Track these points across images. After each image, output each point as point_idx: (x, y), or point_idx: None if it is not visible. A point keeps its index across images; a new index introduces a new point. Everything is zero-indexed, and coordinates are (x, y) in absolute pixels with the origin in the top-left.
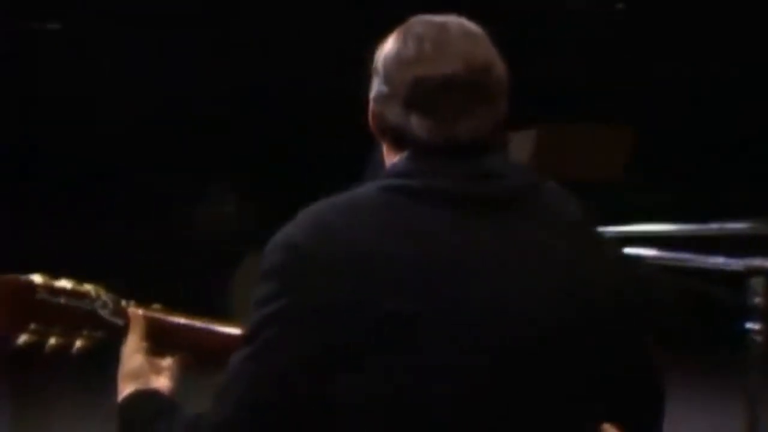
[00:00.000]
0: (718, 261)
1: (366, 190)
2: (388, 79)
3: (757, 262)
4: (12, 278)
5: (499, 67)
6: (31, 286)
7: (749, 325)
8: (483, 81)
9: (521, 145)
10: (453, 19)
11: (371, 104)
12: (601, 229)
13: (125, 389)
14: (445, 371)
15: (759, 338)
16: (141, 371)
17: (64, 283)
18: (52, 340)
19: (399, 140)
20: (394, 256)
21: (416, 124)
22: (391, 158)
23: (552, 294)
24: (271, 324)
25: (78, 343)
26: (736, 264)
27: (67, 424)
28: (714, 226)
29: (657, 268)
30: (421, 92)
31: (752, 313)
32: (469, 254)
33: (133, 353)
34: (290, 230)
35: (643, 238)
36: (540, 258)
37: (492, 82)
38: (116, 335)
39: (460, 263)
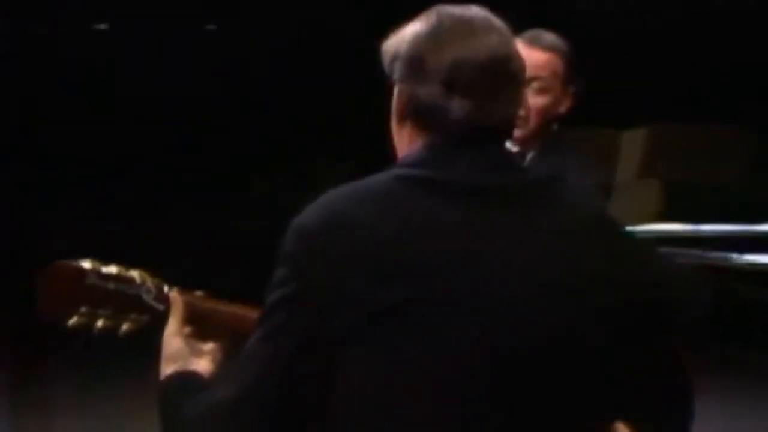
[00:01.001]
0: (750, 259)
1: (382, 178)
2: (422, 60)
3: None
4: (65, 264)
5: (521, 58)
6: (83, 271)
7: None
8: (513, 68)
9: (632, 144)
10: (477, 9)
11: (399, 86)
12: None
13: (165, 371)
14: (446, 362)
15: None
16: (180, 354)
17: (112, 269)
18: (100, 323)
19: (430, 122)
20: (401, 247)
21: (457, 105)
22: (410, 142)
23: (556, 290)
24: (280, 308)
25: (124, 327)
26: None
27: (67, 421)
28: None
29: (696, 267)
30: (463, 72)
31: None
32: (478, 247)
33: (172, 336)
34: (305, 216)
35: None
36: (549, 254)
37: (520, 71)
38: (159, 320)
39: (468, 256)
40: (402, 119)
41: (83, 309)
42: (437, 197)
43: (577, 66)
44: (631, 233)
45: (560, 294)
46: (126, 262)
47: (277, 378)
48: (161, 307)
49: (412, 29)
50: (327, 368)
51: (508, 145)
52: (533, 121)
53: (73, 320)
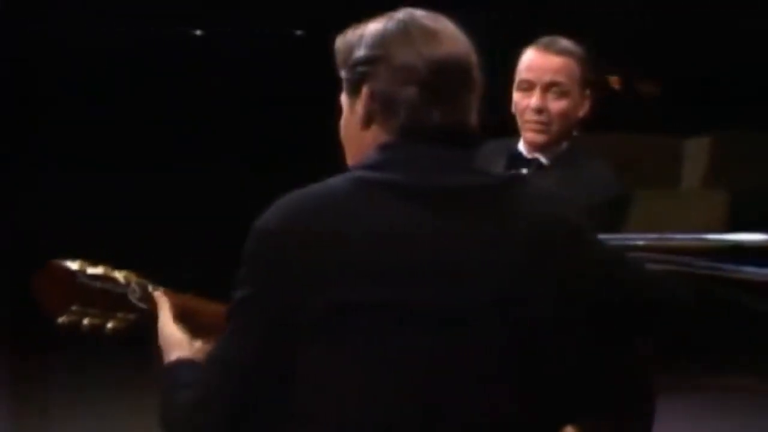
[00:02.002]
0: (751, 271)
1: (341, 180)
2: (396, 61)
3: None
4: (57, 264)
5: (478, 67)
6: (74, 271)
7: None
8: (474, 76)
9: (698, 152)
10: (439, 15)
11: (374, 92)
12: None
13: (167, 357)
14: (395, 366)
15: None
16: (180, 340)
17: (99, 269)
18: (87, 321)
19: (403, 123)
20: (357, 249)
21: (430, 108)
22: (372, 141)
23: (509, 294)
24: (241, 309)
25: (110, 325)
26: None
27: (67, 422)
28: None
29: (683, 275)
30: (435, 75)
31: None
32: (432, 250)
33: (165, 327)
34: (264, 218)
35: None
36: (504, 257)
37: (478, 78)
38: (144, 319)
39: (422, 259)
40: (369, 122)
41: (73, 307)
42: (396, 200)
43: (593, 70)
44: (594, 237)
45: (512, 297)
46: (129, 262)
47: (240, 378)
48: (145, 307)
49: (374, 29)
50: (288, 366)
51: (522, 149)
52: (555, 126)
53: (62, 318)
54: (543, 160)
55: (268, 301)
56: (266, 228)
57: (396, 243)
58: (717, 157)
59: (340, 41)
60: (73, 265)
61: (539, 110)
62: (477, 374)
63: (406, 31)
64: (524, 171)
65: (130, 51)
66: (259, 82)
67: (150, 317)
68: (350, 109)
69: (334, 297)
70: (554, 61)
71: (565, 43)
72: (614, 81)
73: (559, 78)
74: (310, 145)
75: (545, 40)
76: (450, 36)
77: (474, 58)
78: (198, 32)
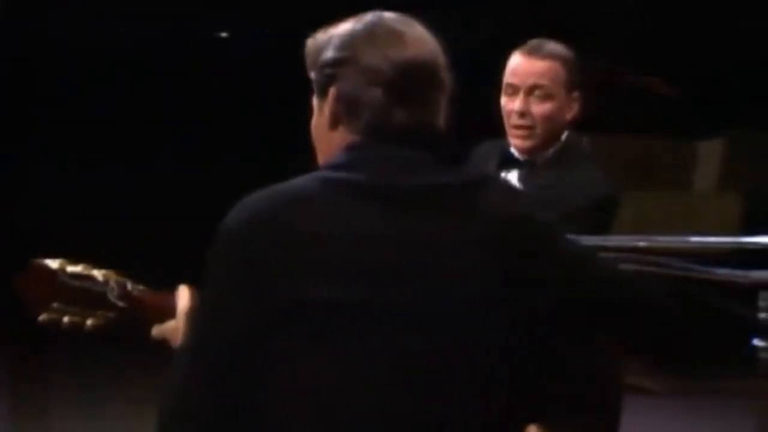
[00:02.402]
0: (726, 273)
1: (306, 179)
2: (362, 63)
3: (766, 275)
4: (40, 263)
5: (447, 68)
6: (54, 269)
7: (757, 342)
8: (441, 77)
9: (711, 155)
10: (408, 18)
11: (340, 93)
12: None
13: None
14: (353, 358)
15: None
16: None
17: (78, 268)
18: (67, 318)
19: (367, 124)
20: (317, 245)
21: (395, 109)
22: (340, 141)
23: (471, 293)
24: (205, 305)
25: (89, 322)
26: (743, 277)
27: (67, 421)
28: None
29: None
30: (400, 77)
31: (760, 330)
32: (394, 250)
33: (178, 320)
34: (229, 216)
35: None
36: (465, 257)
37: (446, 80)
38: (122, 316)
39: (384, 258)
40: (336, 123)
41: (54, 305)
42: (359, 199)
43: (581, 73)
44: (562, 236)
45: (477, 296)
46: (128, 261)
47: (206, 378)
48: (123, 305)
49: (342, 31)
50: (255, 365)
51: (515, 152)
52: (540, 130)
53: (44, 315)
54: (532, 161)
55: (233, 300)
56: (231, 227)
57: (357, 242)
58: (730, 158)
59: (310, 43)
60: (54, 264)
61: (522, 113)
62: (441, 373)
63: (372, 33)
64: (515, 172)
65: (130, 51)
66: (258, 82)
67: (126, 314)
68: (319, 110)
69: (295, 295)
70: (538, 65)
71: (551, 46)
72: (655, 83)
73: (542, 81)
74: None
75: (532, 43)
76: (417, 38)
77: (442, 60)
78: (198, 32)
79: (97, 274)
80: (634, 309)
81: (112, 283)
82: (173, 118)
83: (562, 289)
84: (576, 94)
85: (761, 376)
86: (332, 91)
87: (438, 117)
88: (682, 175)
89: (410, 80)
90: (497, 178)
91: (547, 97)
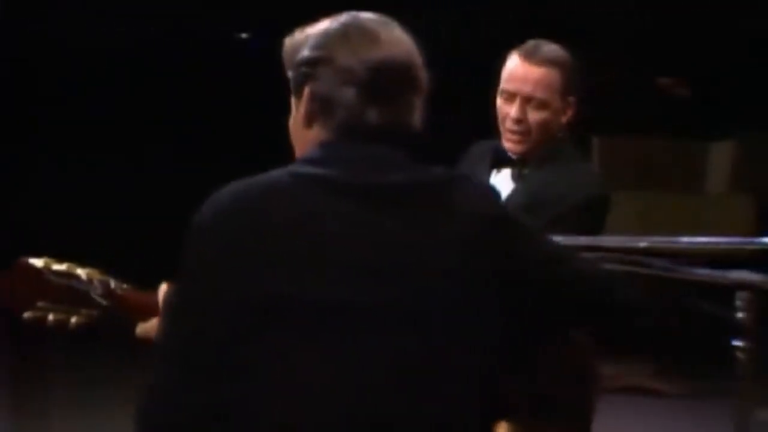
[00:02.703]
0: (704, 273)
1: (277, 173)
2: (335, 62)
3: (744, 275)
4: (25, 261)
5: (424, 69)
6: (39, 268)
7: (735, 342)
8: (415, 76)
9: (722, 156)
10: (383, 17)
11: (314, 92)
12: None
13: None
14: (316, 354)
15: (744, 356)
16: None
17: (62, 266)
18: (52, 316)
19: (340, 123)
20: (284, 240)
21: (366, 108)
22: (314, 140)
23: (436, 291)
24: (176, 300)
25: (73, 320)
26: (721, 277)
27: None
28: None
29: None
30: (372, 76)
31: (738, 330)
32: (359, 244)
33: None
34: (201, 210)
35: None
36: (431, 253)
37: (421, 79)
38: (105, 314)
39: (348, 252)
40: (311, 122)
41: (40, 303)
42: (331, 195)
43: (578, 76)
44: (534, 234)
45: (445, 293)
46: (128, 261)
47: (178, 376)
48: (105, 303)
49: (318, 31)
50: (221, 354)
51: (507, 149)
52: (534, 135)
53: (29, 314)
54: (524, 160)
55: (203, 294)
56: (199, 220)
57: (330, 238)
58: (742, 160)
59: (288, 42)
60: (39, 263)
61: (518, 121)
62: (419, 372)
63: (346, 33)
64: (507, 171)
65: (130, 51)
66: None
67: (108, 312)
68: (296, 109)
69: (267, 290)
70: (534, 72)
71: (547, 49)
72: (671, 84)
73: (539, 93)
74: None
75: (528, 46)
76: (391, 39)
77: (418, 60)
78: (199, 32)
79: (81, 272)
80: (610, 307)
81: (95, 281)
82: (174, 119)
83: (538, 288)
84: (572, 98)
85: (740, 376)
86: (307, 90)
87: (412, 116)
88: (693, 177)
89: (383, 80)
90: (469, 177)
91: (542, 106)
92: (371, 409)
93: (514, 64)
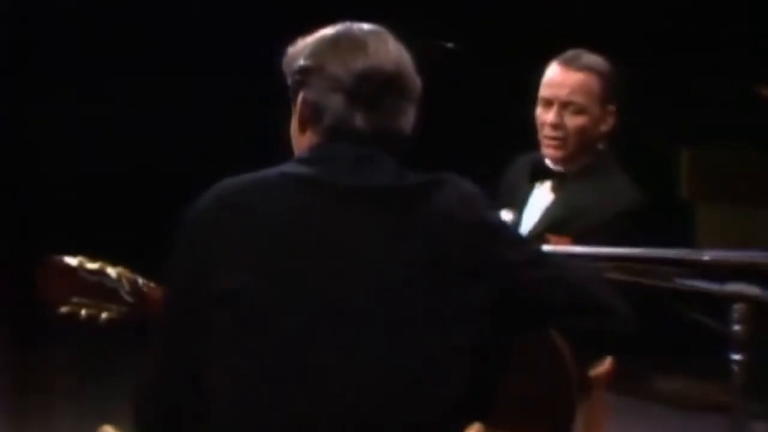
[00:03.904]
0: (700, 285)
1: (270, 172)
2: (324, 70)
3: (739, 288)
4: (60, 259)
5: (415, 77)
6: (74, 266)
7: (731, 355)
8: (403, 83)
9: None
10: (374, 26)
11: (301, 94)
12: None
13: None
14: (278, 343)
15: (740, 368)
16: None
17: (95, 265)
18: (84, 311)
19: (330, 129)
20: (267, 235)
21: (355, 114)
22: (307, 144)
23: (407, 289)
24: (166, 287)
25: (104, 315)
26: (717, 289)
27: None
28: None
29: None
30: (360, 84)
31: (733, 342)
32: (337, 243)
33: None
34: (188, 208)
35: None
36: (400, 251)
37: (410, 86)
38: (133, 311)
39: (325, 250)
40: (304, 127)
41: (74, 299)
42: (310, 193)
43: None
44: (510, 237)
45: (409, 294)
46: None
47: (166, 350)
48: (132, 300)
49: (313, 40)
50: (198, 339)
51: (548, 164)
52: (572, 141)
53: (65, 308)
54: (563, 173)
55: (178, 281)
56: (185, 220)
57: (300, 234)
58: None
59: (290, 51)
60: (73, 261)
61: (556, 126)
62: (375, 366)
63: (336, 42)
64: (547, 183)
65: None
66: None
67: (136, 309)
68: (293, 114)
69: (225, 283)
70: (572, 78)
71: (587, 58)
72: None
73: (576, 97)
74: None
75: (568, 54)
76: (379, 48)
77: (407, 68)
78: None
79: (111, 271)
80: (586, 310)
81: (124, 279)
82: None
83: (515, 290)
84: (612, 107)
85: (734, 387)
86: (300, 97)
87: (400, 121)
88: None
89: (369, 87)
90: (456, 182)
91: (580, 111)
92: (329, 405)
93: (552, 72)
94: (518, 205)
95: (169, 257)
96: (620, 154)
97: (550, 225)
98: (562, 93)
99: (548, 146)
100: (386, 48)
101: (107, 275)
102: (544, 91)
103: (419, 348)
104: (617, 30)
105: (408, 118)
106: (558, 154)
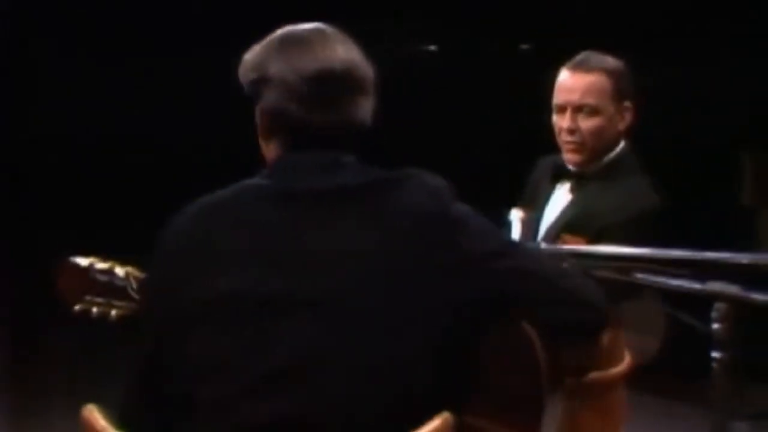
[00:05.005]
0: (679, 284)
1: (232, 188)
2: (268, 77)
3: (720, 286)
4: (73, 261)
5: (366, 68)
6: (86, 267)
7: (712, 354)
8: (353, 78)
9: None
10: (315, 25)
11: (264, 109)
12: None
13: None
14: (257, 346)
15: (720, 367)
16: None
17: (104, 264)
18: (96, 309)
19: (287, 134)
20: (229, 245)
21: (314, 118)
22: (272, 153)
23: (374, 283)
24: (144, 299)
25: (114, 313)
26: (698, 288)
27: (68, 419)
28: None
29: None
30: (315, 87)
31: (714, 341)
32: (298, 246)
33: None
34: (164, 227)
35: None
36: (368, 249)
37: (360, 80)
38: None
39: (288, 254)
40: (267, 137)
41: (87, 298)
42: (270, 203)
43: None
44: (475, 228)
45: (376, 285)
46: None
47: (143, 362)
48: (141, 297)
49: (260, 50)
50: (176, 350)
51: (567, 165)
52: (589, 143)
53: (78, 306)
54: (582, 173)
55: (156, 292)
56: (164, 234)
57: (260, 242)
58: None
59: (243, 60)
60: (84, 262)
61: (572, 131)
62: (340, 363)
63: (280, 48)
64: (567, 183)
65: None
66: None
67: None
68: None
69: (205, 286)
70: (582, 80)
71: (595, 59)
72: None
73: (588, 99)
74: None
75: (578, 58)
76: (325, 47)
77: (357, 61)
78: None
79: (120, 270)
80: (554, 299)
81: (131, 278)
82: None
83: (480, 280)
84: (628, 103)
85: (715, 386)
86: (258, 109)
87: (357, 116)
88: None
89: (322, 88)
90: (421, 177)
91: (594, 112)
92: (287, 397)
93: (562, 78)
94: (540, 205)
95: (148, 271)
96: (683, 160)
97: (567, 225)
98: (574, 97)
99: (567, 151)
100: (333, 46)
101: (116, 275)
102: (557, 98)
103: (390, 342)
104: (684, 34)
105: (365, 110)
106: (577, 157)
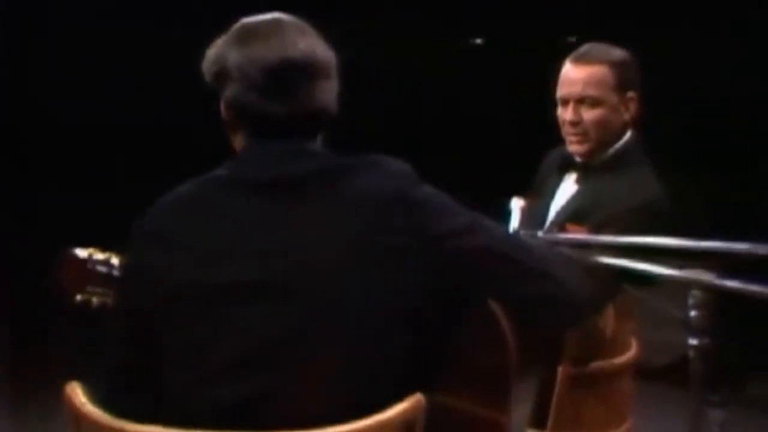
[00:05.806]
0: (658, 271)
1: (196, 181)
2: (227, 69)
3: (696, 273)
4: (72, 252)
5: (325, 53)
6: (85, 258)
7: (688, 341)
8: (310, 65)
9: None
10: (273, 14)
11: (227, 102)
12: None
13: None
14: (232, 331)
15: (697, 354)
16: None
17: (100, 255)
18: (95, 299)
19: (249, 125)
20: (196, 237)
21: (275, 108)
22: (239, 145)
23: (339, 267)
24: (116, 293)
25: (110, 302)
26: (674, 275)
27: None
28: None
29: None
30: (273, 76)
31: (691, 328)
32: (263, 234)
33: None
34: (135, 222)
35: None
36: (332, 233)
37: (319, 66)
38: None
39: (253, 243)
40: (233, 129)
41: (88, 288)
42: (233, 194)
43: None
44: (440, 208)
45: (342, 268)
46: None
47: (117, 350)
48: None
49: (219, 44)
50: (151, 338)
51: (575, 156)
52: (593, 135)
53: (79, 297)
54: (587, 164)
55: (130, 283)
56: (133, 232)
57: (226, 231)
58: None
59: (206, 54)
60: (83, 253)
61: (574, 123)
62: (312, 347)
63: (237, 41)
64: (573, 174)
65: None
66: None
67: None
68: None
69: (174, 277)
70: (583, 72)
71: (597, 50)
72: None
73: (590, 90)
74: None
75: (580, 50)
76: (283, 36)
77: (316, 48)
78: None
79: (115, 260)
80: (524, 276)
81: None
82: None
83: (447, 259)
84: (632, 93)
85: (692, 374)
86: (222, 102)
87: (319, 102)
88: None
89: (280, 78)
90: (382, 161)
91: (596, 103)
92: (254, 382)
93: (564, 70)
94: (548, 195)
95: (123, 266)
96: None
97: (571, 215)
98: (576, 89)
99: (571, 143)
100: (289, 36)
101: (113, 265)
102: (559, 91)
103: (358, 325)
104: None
105: (328, 95)
106: (581, 149)
